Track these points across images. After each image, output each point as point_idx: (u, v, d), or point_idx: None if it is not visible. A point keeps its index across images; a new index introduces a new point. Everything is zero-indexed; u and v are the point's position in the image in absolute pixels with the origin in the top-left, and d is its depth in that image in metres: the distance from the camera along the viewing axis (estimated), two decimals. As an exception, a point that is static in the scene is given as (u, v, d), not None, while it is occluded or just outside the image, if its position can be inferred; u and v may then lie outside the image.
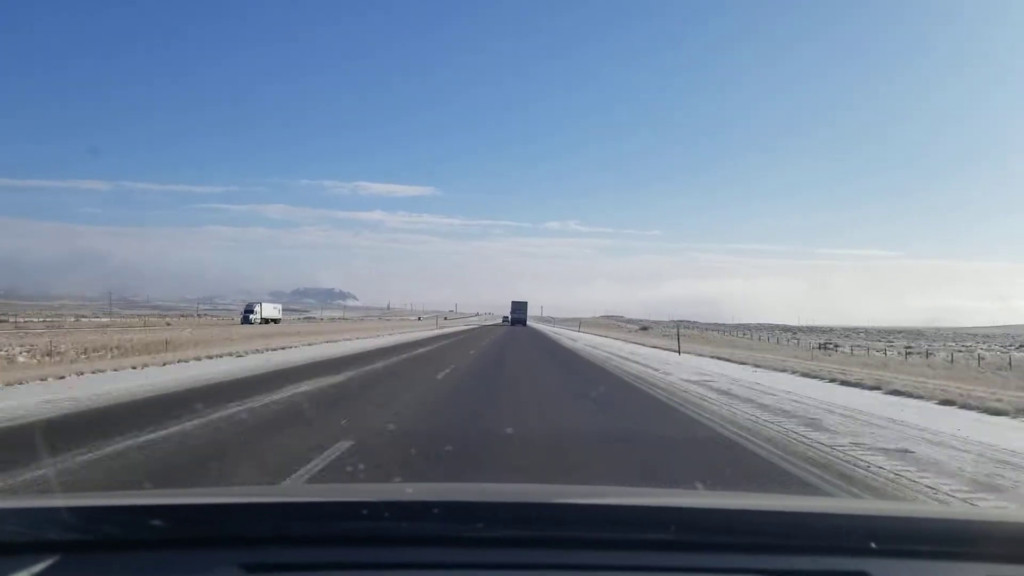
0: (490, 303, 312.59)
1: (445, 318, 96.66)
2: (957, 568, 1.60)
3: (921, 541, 1.66)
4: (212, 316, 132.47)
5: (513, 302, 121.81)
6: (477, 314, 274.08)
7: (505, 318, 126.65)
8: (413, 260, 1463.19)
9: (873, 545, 1.59)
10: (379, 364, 22.13)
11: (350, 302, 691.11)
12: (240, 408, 11.01)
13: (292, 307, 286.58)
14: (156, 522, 1.57)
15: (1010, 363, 36.93)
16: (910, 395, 15.58)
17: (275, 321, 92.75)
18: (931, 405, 14.08)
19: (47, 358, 20.40)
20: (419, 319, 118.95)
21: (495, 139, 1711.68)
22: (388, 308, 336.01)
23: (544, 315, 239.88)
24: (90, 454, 7.18)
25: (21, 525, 1.56)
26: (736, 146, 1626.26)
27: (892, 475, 7.21)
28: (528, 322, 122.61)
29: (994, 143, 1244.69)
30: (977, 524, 1.89)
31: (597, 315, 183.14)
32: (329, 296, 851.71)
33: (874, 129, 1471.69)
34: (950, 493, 6.48)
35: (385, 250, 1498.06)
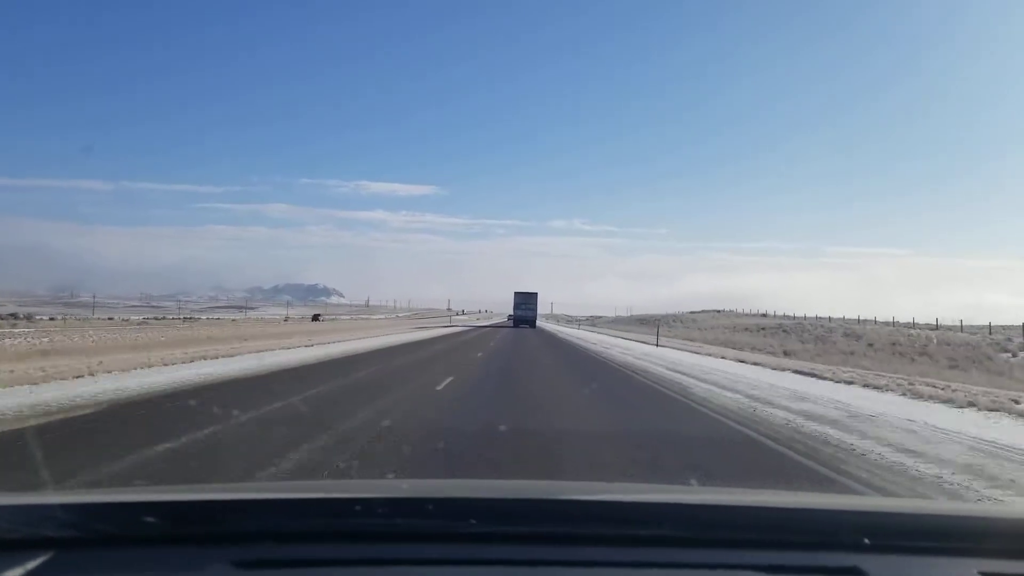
0: (491, 300, 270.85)
1: (322, 315, 51.96)
2: (950, 564, 1.57)
3: (914, 537, 1.64)
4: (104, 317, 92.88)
5: (517, 293, 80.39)
6: (462, 312, 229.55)
7: (510, 316, 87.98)
8: (413, 259, 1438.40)
9: (866, 541, 1.57)
10: None
11: (335, 299, 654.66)
12: None
13: (251, 304, 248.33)
14: (150, 519, 1.56)
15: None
16: None
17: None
18: None
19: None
20: (286, 320, 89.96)
21: (499, 138, 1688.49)
22: (367, 305, 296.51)
23: (555, 312, 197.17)
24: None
25: (15, 522, 1.53)
26: (743, 146, 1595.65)
27: None
28: (539, 322, 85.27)
29: (1001, 141, 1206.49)
30: (970, 520, 1.85)
31: (623, 311, 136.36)
32: (312, 292, 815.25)
33: (877, 131, 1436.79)
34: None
35: (385, 249, 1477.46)
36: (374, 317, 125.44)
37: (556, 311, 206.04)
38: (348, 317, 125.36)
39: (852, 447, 8.64)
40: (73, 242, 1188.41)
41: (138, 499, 1.84)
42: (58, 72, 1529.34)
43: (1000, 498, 6.25)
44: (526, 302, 79.52)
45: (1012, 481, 6.93)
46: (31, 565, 1.40)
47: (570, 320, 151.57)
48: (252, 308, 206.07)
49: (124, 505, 1.74)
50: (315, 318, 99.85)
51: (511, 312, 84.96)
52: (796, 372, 21.72)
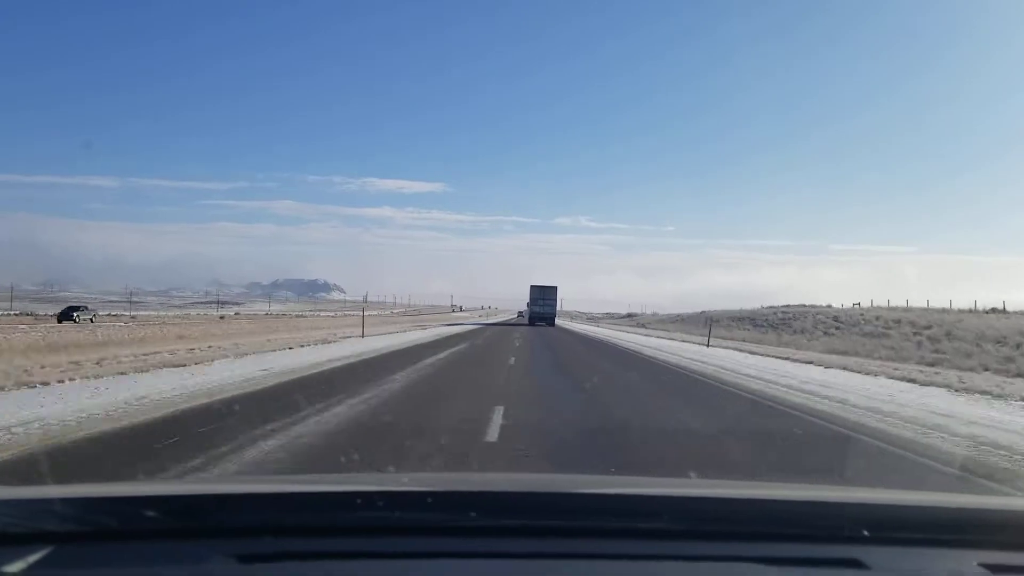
0: (497, 298, 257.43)
1: (81, 311, 38.91)
2: (949, 555, 1.57)
3: (913, 529, 1.65)
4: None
5: (534, 287, 68.26)
6: (460, 308, 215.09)
7: (521, 313, 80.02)
8: (419, 256, 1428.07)
9: (866, 533, 1.58)
10: None
11: (335, 294, 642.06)
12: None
13: (236, 300, 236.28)
14: (151, 513, 1.56)
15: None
16: None
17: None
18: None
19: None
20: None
21: (506, 136, 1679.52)
22: (365, 301, 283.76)
23: (565, 309, 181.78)
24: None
25: (15, 516, 1.53)
26: (747, 145, 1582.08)
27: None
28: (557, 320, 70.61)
29: (1005, 140, 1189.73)
30: (970, 512, 1.84)
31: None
32: (312, 288, 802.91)
33: (880, 131, 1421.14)
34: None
35: (391, 246, 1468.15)
36: (366, 314, 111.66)
37: (566, 307, 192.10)
38: (332, 314, 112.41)
39: None
40: (72, 237, 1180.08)
41: (139, 493, 1.82)
42: (63, 71, 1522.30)
43: None
44: (543, 297, 67.43)
45: None
46: (32, 559, 1.39)
47: (590, 318, 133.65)
48: (238, 304, 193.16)
49: (125, 499, 1.72)
50: (64, 315, 61.21)
51: (521, 309, 76.09)
52: None
